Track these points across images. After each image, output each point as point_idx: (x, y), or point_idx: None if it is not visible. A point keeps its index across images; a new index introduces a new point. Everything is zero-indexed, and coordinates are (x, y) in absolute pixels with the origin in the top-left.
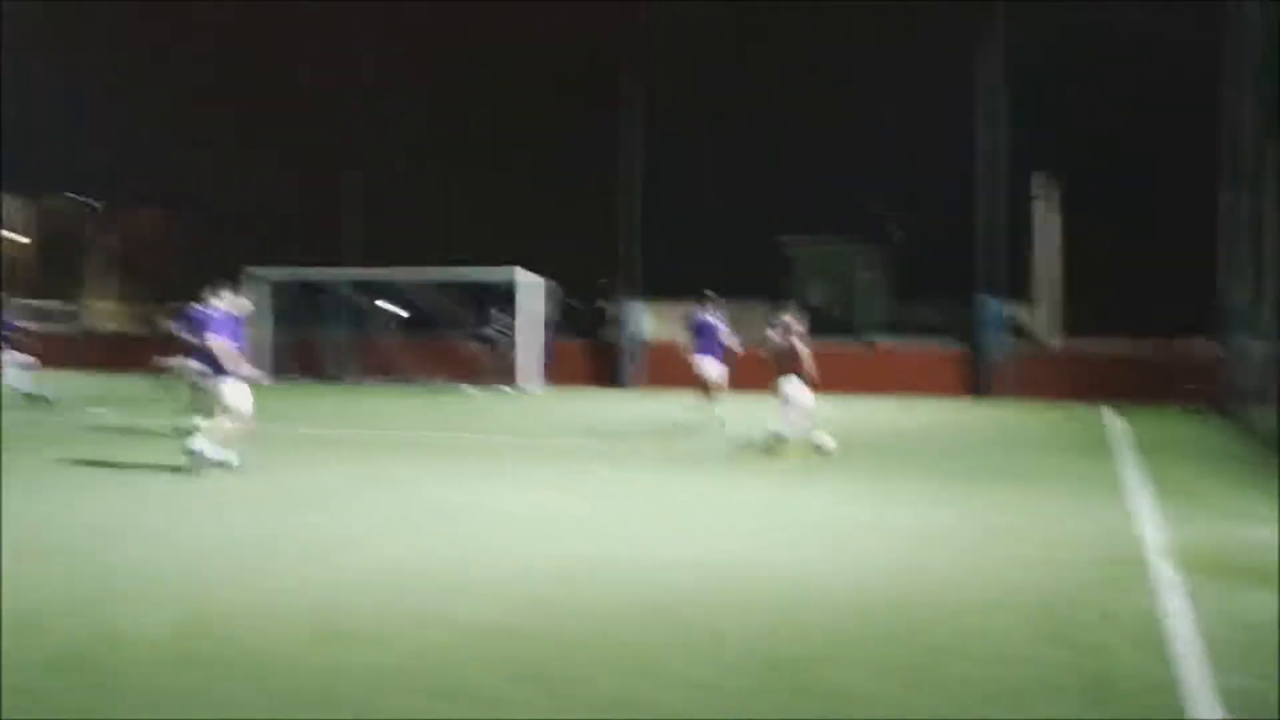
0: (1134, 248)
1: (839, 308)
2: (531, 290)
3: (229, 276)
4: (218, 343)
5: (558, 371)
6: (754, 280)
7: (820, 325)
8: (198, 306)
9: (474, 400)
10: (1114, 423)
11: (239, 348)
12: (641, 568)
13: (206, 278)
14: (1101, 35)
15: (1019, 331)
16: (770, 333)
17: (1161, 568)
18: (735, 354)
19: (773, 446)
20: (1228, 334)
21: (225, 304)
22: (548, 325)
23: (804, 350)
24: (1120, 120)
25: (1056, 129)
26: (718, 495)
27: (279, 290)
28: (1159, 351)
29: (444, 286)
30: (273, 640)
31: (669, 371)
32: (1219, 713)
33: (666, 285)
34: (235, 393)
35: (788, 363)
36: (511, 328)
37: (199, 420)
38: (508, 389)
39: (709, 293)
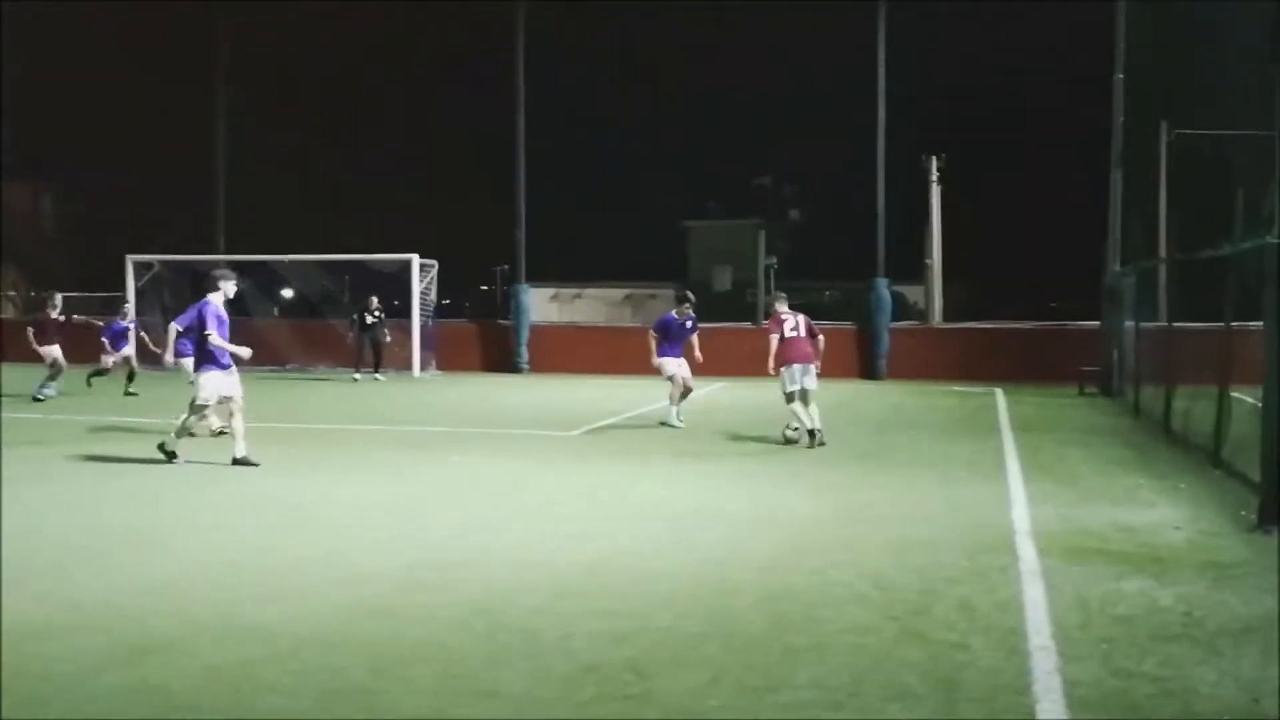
0: (1030, 229)
1: (737, 287)
2: (421, 275)
3: (106, 259)
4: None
5: (451, 356)
6: (654, 263)
7: (720, 308)
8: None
9: (356, 386)
10: (1003, 404)
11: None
12: (482, 568)
13: (86, 261)
14: (992, 20)
15: (914, 313)
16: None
17: (1029, 555)
18: (695, 355)
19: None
20: (1116, 314)
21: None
22: (435, 310)
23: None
24: (1013, 102)
25: (952, 112)
26: (581, 488)
27: (161, 276)
28: (1052, 333)
29: (332, 272)
30: (72, 657)
31: (564, 357)
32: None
33: (572, 270)
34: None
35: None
36: (382, 313)
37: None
38: (379, 376)
39: (688, 294)
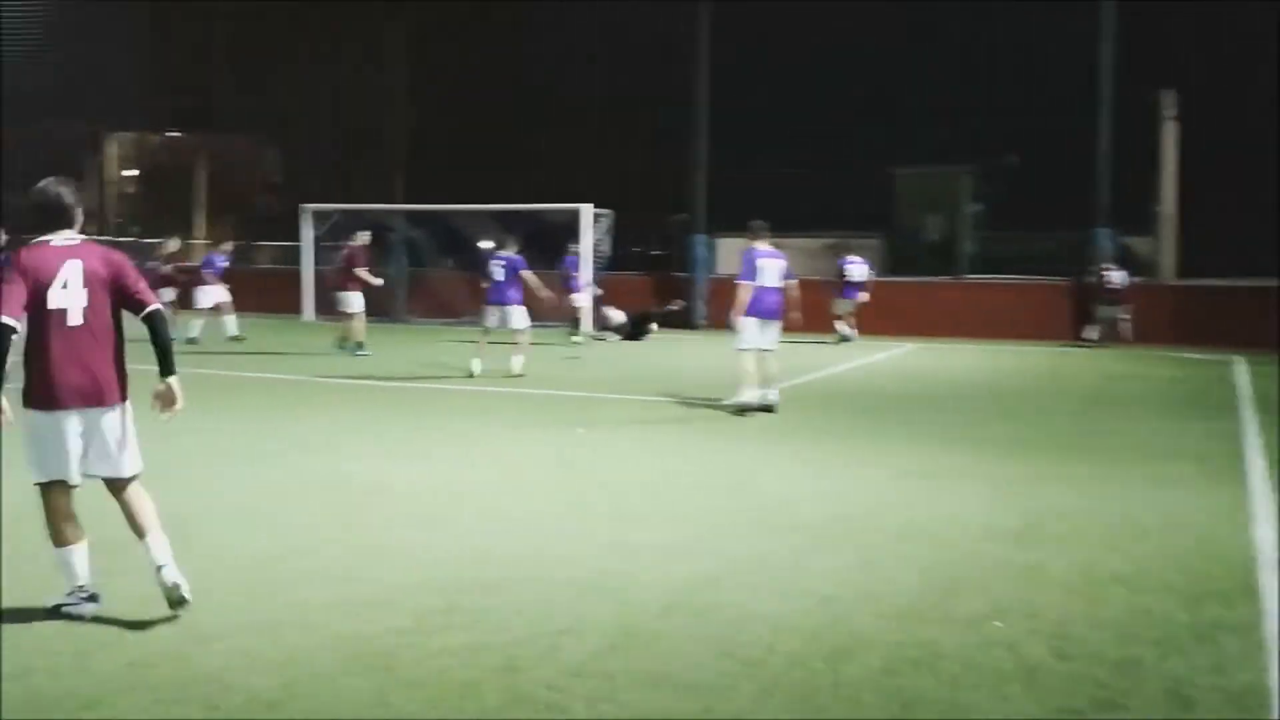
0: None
1: (947, 237)
2: (590, 225)
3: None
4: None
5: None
6: (859, 212)
7: (928, 259)
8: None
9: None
10: (1245, 377)
11: None
12: (541, 590)
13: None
14: None
15: (1140, 268)
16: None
17: None
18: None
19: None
20: None
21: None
22: (609, 262)
23: None
24: (1253, 29)
25: (1184, 42)
26: (701, 477)
27: (340, 225)
28: None
29: (503, 224)
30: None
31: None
32: None
33: (777, 219)
34: None
35: None
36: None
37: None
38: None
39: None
